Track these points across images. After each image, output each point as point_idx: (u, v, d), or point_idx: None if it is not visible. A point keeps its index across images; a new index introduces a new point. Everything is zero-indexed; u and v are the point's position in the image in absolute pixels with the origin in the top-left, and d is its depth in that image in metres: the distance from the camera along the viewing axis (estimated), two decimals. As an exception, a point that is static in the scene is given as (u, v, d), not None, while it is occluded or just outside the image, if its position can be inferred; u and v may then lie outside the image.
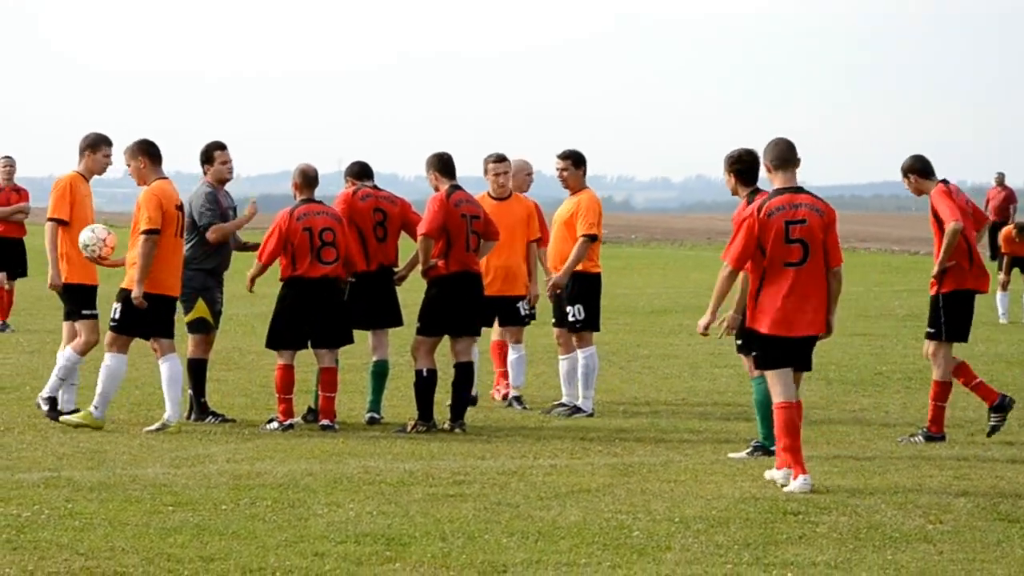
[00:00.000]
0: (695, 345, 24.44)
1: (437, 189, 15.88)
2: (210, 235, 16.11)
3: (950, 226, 15.58)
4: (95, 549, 10.18)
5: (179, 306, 15.96)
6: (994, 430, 15.67)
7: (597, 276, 17.29)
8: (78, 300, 16.02)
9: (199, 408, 16.28)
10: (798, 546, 10.59)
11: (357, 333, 16.35)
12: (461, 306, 15.77)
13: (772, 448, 14.21)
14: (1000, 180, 46.27)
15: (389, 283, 16.48)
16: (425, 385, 15.68)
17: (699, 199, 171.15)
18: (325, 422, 15.82)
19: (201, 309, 16.29)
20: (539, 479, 13.06)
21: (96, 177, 16.13)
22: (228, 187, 16.70)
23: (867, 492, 12.57)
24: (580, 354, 17.18)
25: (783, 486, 12.65)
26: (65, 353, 15.93)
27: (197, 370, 16.34)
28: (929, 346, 15.85)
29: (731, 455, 14.48)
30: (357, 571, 9.72)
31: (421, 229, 15.73)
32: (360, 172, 16.92)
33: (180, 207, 15.63)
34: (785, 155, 13.21)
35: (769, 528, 11.13)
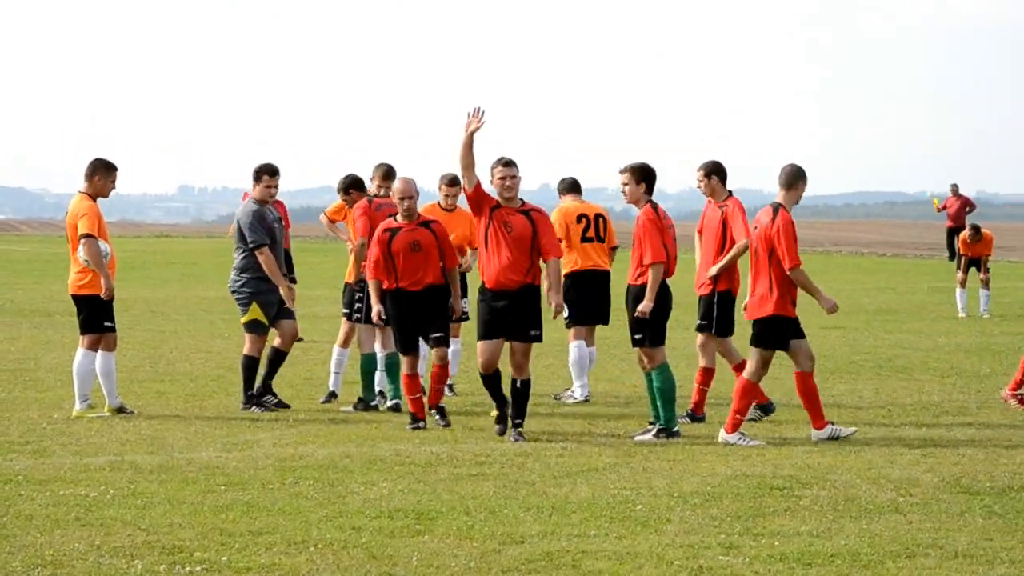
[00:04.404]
0: (688, 339, 24.37)
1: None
2: (260, 257, 16.15)
3: (743, 242, 15.41)
4: (155, 525, 10.15)
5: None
6: (752, 421, 15.58)
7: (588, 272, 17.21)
8: (104, 310, 15.88)
9: (246, 399, 16.24)
10: (783, 517, 10.54)
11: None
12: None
13: (675, 429, 14.23)
14: (955, 190, 46.23)
15: None
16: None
17: (693, 208, 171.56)
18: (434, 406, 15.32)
19: (255, 312, 16.28)
20: (552, 459, 13.02)
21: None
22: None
23: (844, 469, 12.53)
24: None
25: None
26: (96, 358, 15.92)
27: (249, 366, 16.29)
28: (699, 337, 15.75)
29: (637, 437, 14.35)
30: (390, 543, 9.68)
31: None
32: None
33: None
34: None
35: (758, 502, 11.09)
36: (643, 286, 14.39)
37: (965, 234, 32.27)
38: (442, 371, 15.02)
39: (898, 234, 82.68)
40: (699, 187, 15.77)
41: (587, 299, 17.34)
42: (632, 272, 14.53)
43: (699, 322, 15.71)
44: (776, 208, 14.09)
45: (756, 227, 14.19)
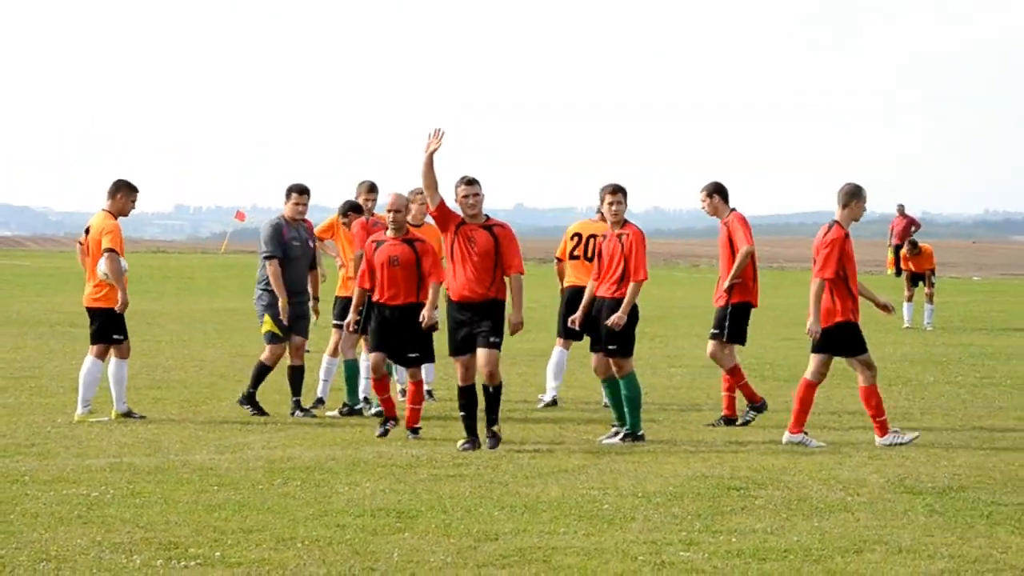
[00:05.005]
0: (654, 349, 24.43)
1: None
2: (268, 268, 16.18)
3: (745, 248, 15.48)
4: (152, 523, 10.13)
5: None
6: (746, 423, 15.64)
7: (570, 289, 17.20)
8: (114, 322, 15.89)
9: (246, 398, 16.21)
10: (740, 516, 10.56)
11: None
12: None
13: (641, 434, 14.25)
14: (901, 210, 46.30)
15: None
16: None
17: (656, 227, 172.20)
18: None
19: (268, 323, 16.27)
20: (525, 461, 13.03)
21: None
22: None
23: (796, 470, 12.56)
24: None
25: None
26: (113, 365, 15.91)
27: (259, 371, 16.23)
28: (711, 345, 15.80)
29: (605, 441, 14.36)
30: (373, 539, 9.68)
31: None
32: (359, 208, 16.87)
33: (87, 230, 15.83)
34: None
35: (716, 501, 11.11)
36: (619, 299, 14.38)
37: (905, 251, 32.45)
38: (416, 391, 14.65)
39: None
40: (703, 207, 15.80)
41: (567, 315, 17.36)
42: (608, 286, 14.49)
43: (712, 331, 15.74)
44: (831, 224, 14.15)
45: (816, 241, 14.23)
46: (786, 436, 14.18)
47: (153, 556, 9.13)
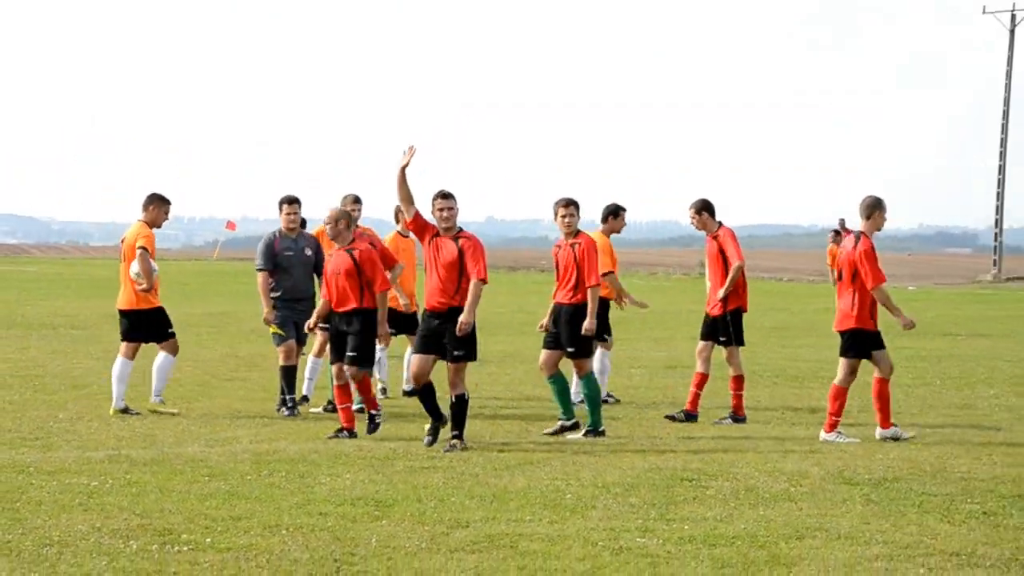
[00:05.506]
0: (616, 351, 24.41)
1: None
2: (258, 277, 16.26)
3: (737, 264, 15.60)
4: (148, 510, 10.11)
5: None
6: (720, 422, 15.67)
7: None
8: (165, 318, 15.97)
9: (282, 402, 16.09)
10: (692, 505, 10.59)
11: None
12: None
13: (602, 430, 14.27)
14: (842, 224, 46.43)
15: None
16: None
17: (620, 237, 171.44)
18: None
19: (272, 327, 16.33)
20: (494, 454, 13.04)
21: None
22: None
23: (744, 463, 12.60)
24: None
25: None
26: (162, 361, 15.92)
27: (282, 374, 16.16)
28: (723, 352, 15.87)
29: (570, 436, 14.36)
30: (352, 527, 9.68)
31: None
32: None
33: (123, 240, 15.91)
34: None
35: (670, 491, 11.13)
36: (580, 304, 14.40)
37: (832, 246, 32.45)
38: (360, 384, 14.18)
39: (793, 262, 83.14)
40: (692, 223, 15.86)
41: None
42: (565, 292, 14.52)
43: (720, 338, 15.77)
44: (858, 236, 14.22)
45: (843, 253, 14.29)
46: (880, 432, 14.15)
47: (149, 541, 9.11)
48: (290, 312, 16.25)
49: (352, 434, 14.17)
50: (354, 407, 14.69)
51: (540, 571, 8.49)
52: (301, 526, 9.65)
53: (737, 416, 15.69)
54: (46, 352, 23.49)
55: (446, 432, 13.61)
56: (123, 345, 15.82)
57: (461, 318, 13.31)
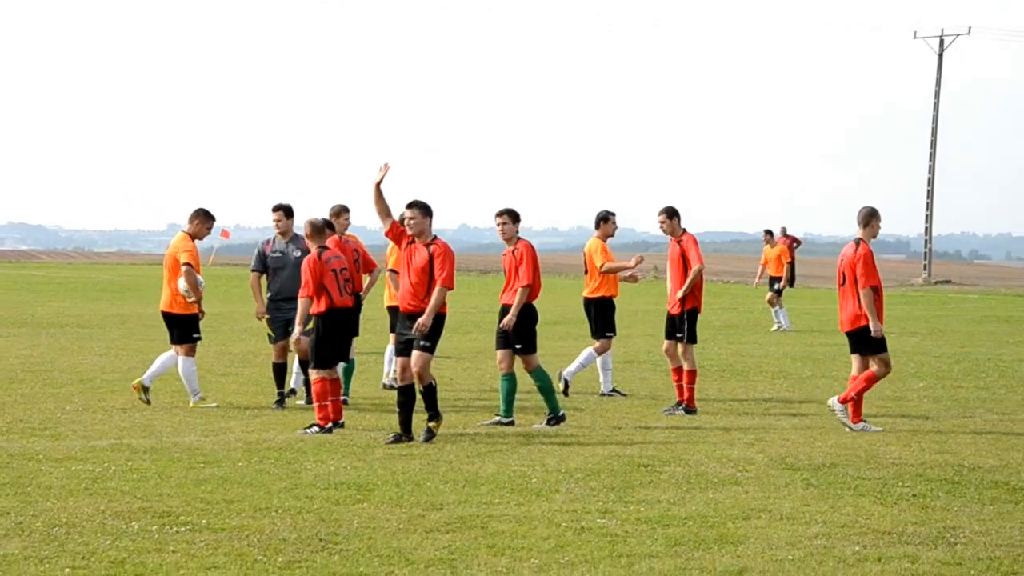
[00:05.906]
0: (579, 348, 24.47)
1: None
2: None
3: (697, 267, 15.68)
4: (148, 495, 10.09)
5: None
6: (672, 412, 15.66)
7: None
8: (193, 326, 15.86)
9: (278, 402, 15.98)
10: (647, 489, 10.62)
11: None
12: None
13: (561, 415, 14.30)
14: (784, 231, 46.57)
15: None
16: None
17: (581, 242, 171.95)
18: (341, 421, 14.08)
19: (265, 327, 16.37)
20: (466, 443, 13.05)
21: None
22: None
23: (695, 451, 12.63)
24: None
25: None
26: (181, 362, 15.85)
27: (273, 372, 16.09)
28: (678, 347, 15.88)
29: (535, 425, 14.36)
30: (336, 509, 9.68)
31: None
32: (332, 226, 16.79)
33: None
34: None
35: (627, 476, 11.16)
36: (524, 305, 14.43)
37: (767, 248, 32.47)
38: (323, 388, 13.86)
39: (740, 265, 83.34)
40: (662, 227, 15.92)
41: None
42: (509, 294, 14.54)
43: (676, 334, 15.80)
44: (857, 242, 14.25)
45: (842, 259, 14.32)
46: (851, 425, 14.16)
47: (149, 523, 9.10)
48: (279, 312, 16.24)
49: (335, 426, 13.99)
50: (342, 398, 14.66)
51: (508, 549, 8.51)
52: (289, 508, 9.64)
53: (689, 408, 15.72)
54: (54, 349, 23.38)
55: (419, 428, 13.57)
56: (182, 347, 15.72)
57: (420, 320, 13.15)
